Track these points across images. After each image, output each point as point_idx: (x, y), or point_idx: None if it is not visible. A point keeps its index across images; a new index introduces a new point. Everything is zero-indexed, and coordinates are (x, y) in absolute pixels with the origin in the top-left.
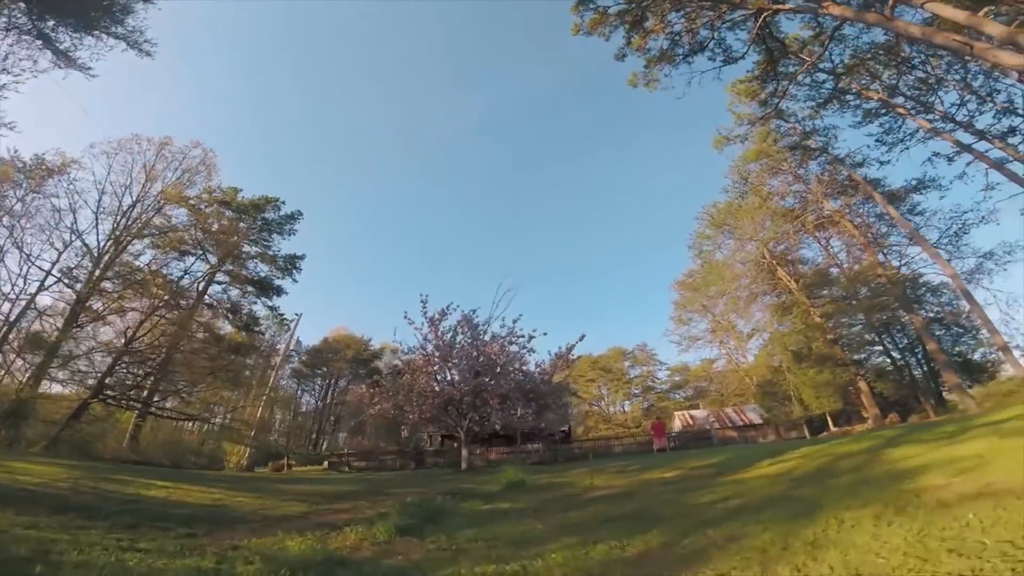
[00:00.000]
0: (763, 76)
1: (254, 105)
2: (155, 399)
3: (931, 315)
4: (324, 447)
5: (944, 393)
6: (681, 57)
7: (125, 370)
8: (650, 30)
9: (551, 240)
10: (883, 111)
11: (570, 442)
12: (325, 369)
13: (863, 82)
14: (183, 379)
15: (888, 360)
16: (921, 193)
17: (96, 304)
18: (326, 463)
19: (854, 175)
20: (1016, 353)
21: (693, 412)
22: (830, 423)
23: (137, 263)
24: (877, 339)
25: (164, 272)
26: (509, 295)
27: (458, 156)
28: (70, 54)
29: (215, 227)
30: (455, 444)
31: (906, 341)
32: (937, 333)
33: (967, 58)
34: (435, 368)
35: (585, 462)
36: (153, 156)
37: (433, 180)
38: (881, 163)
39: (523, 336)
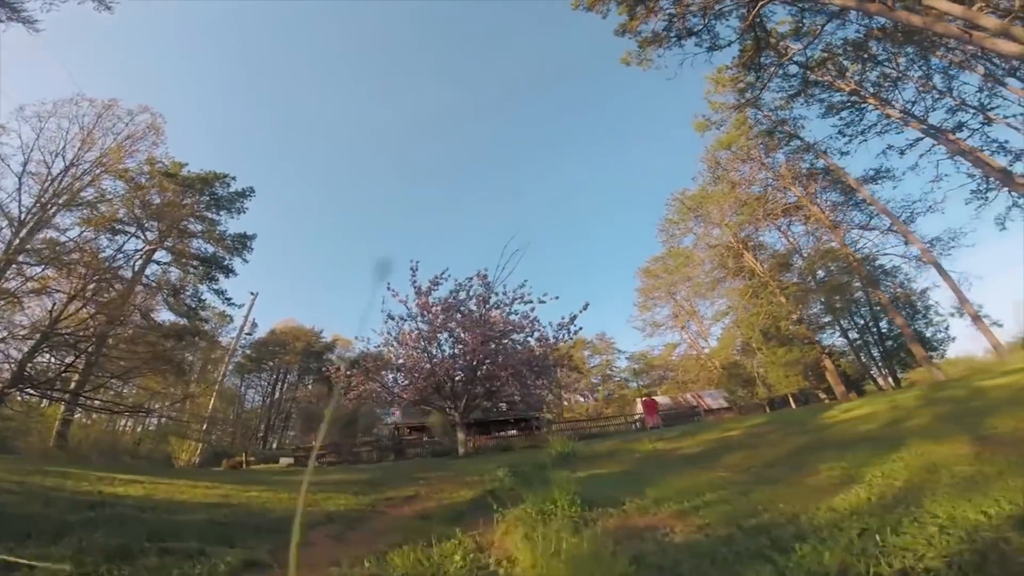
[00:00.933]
0: (747, 65)
1: (222, 83)
2: (85, 389)
3: (887, 295)
4: (274, 446)
5: (898, 372)
6: (673, 40)
7: (50, 357)
8: (648, 9)
9: (519, 226)
10: (848, 104)
11: (542, 428)
12: (272, 363)
13: (831, 76)
14: (117, 368)
15: (846, 340)
16: (877, 183)
17: (11, 282)
18: (292, 459)
19: (829, 162)
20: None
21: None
22: (792, 404)
23: (64, 238)
24: (836, 320)
25: (95, 248)
26: (516, 257)
27: (421, 144)
28: (14, 4)
29: (157, 201)
30: (429, 434)
31: (862, 322)
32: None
33: (968, 47)
34: (424, 344)
35: (587, 442)
36: (94, 119)
37: (406, 172)
38: (842, 153)
39: (531, 300)
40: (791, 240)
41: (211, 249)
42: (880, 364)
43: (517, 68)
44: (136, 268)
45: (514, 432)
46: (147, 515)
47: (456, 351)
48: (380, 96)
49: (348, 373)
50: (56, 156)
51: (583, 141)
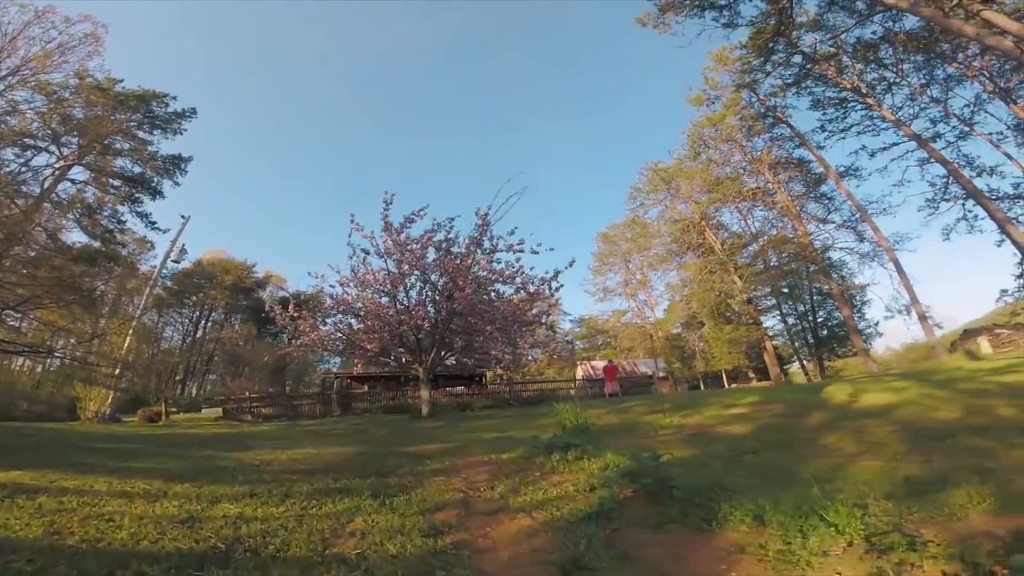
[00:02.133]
0: (761, 47)
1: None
2: None
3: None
4: (194, 392)
5: (825, 360)
6: (694, 9)
7: None
8: None
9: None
10: (836, 101)
11: (485, 386)
12: (196, 298)
13: (832, 71)
14: (12, 297)
15: (784, 325)
16: (844, 179)
17: None
18: (220, 410)
19: (816, 154)
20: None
21: (594, 363)
22: (725, 380)
23: None
24: (779, 305)
25: None
26: (513, 200)
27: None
28: None
29: (80, 116)
30: (379, 387)
31: (802, 309)
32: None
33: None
34: (390, 287)
35: (548, 406)
36: (20, 26)
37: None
38: (819, 147)
39: (522, 249)
40: (748, 223)
41: (138, 169)
42: (812, 351)
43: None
44: (46, 185)
45: (462, 388)
46: None
47: (428, 297)
48: (358, 27)
49: (295, 315)
50: None
51: (567, 98)
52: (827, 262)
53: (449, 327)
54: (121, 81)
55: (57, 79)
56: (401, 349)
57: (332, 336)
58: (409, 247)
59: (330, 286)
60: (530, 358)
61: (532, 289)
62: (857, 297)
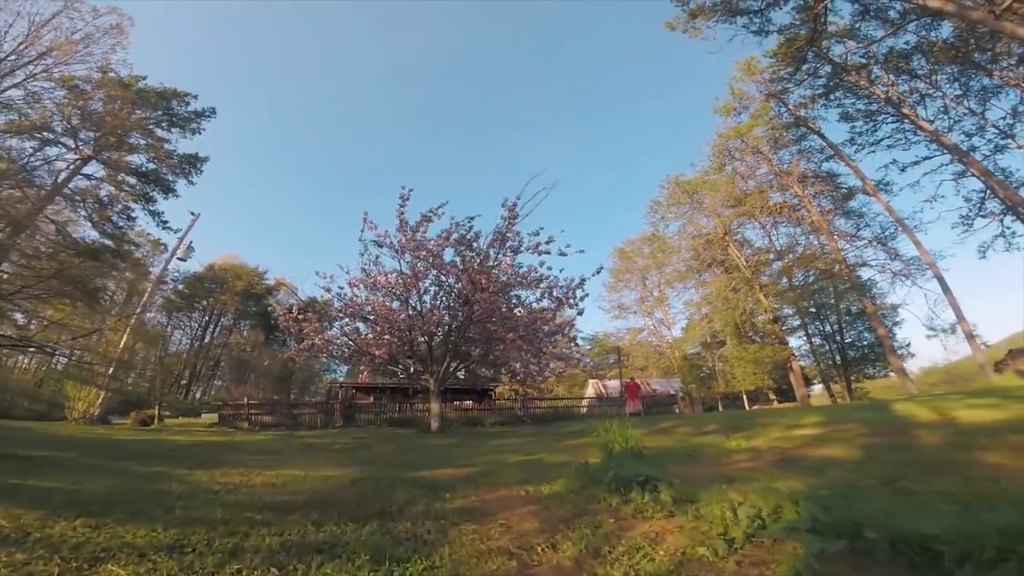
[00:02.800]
0: (793, 56)
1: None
2: None
3: (855, 307)
4: (199, 396)
5: (853, 381)
6: (723, 15)
7: None
8: None
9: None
10: (866, 113)
11: (494, 401)
12: (206, 303)
13: (865, 82)
14: (16, 288)
15: (809, 344)
16: (871, 195)
17: None
18: (216, 416)
19: (850, 163)
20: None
21: (606, 382)
22: (746, 402)
23: None
24: (804, 324)
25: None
26: (541, 196)
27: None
28: None
29: (100, 108)
30: (383, 398)
31: (828, 329)
32: (861, 325)
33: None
34: (402, 290)
35: (565, 423)
36: (50, 14)
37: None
38: (848, 163)
39: (547, 251)
40: (772, 239)
41: (153, 167)
42: (840, 372)
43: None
44: (60, 179)
45: (470, 403)
46: None
47: (443, 303)
48: (378, 35)
49: (300, 317)
50: None
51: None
52: (859, 280)
53: (465, 334)
54: (144, 78)
55: (79, 72)
56: (411, 359)
57: (337, 340)
58: (426, 246)
59: (339, 288)
60: (549, 372)
61: (557, 295)
62: (887, 316)
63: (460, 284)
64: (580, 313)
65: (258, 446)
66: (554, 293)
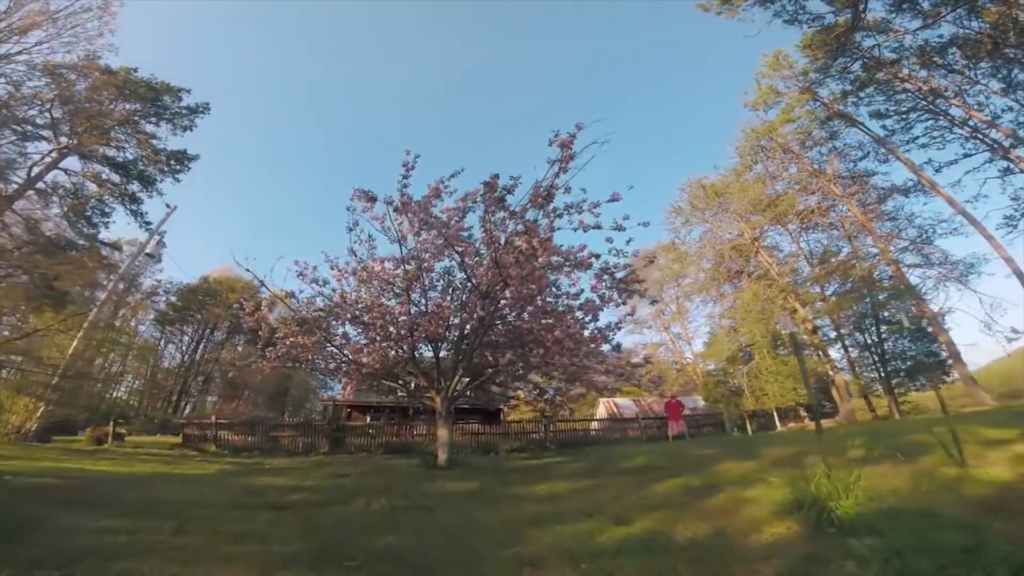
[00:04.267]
0: (831, 46)
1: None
2: None
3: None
4: (187, 411)
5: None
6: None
7: None
8: None
9: None
10: (903, 112)
11: (503, 423)
12: (200, 316)
13: (903, 76)
14: None
15: (846, 356)
16: (908, 196)
17: None
18: (180, 436)
19: (901, 157)
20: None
21: (617, 400)
22: (777, 420)
23: None
24: (840, 335)
25: None
26: (594, 148)
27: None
28: None
29: (82, 97)
30: (384, 418)
31: (866, 339)
32: (901, 335)
33: None
34: (401, 284)
35: (596, 449)
36: None
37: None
38: (881, 161)
39: (596, 224)
40: (800, 245)
41: (132, 158)
42: (887, 384)
43: None
44: (33, 173)
45: (475, 423)
46: None
47: (456, 297)
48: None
49: (267, 316)
50: None
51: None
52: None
53: (484, 338)
54: (135, 70)
55: (62, 57)
56: (412, 374)
57: (317, 346)
58: (447, 213)
59: (320, 283)
60: (602, 386)
61: (609, 286)
62: (931, 324)
63: (484, 266)
64: (650, 299)
65: (167, 491)
66: (613, 279)
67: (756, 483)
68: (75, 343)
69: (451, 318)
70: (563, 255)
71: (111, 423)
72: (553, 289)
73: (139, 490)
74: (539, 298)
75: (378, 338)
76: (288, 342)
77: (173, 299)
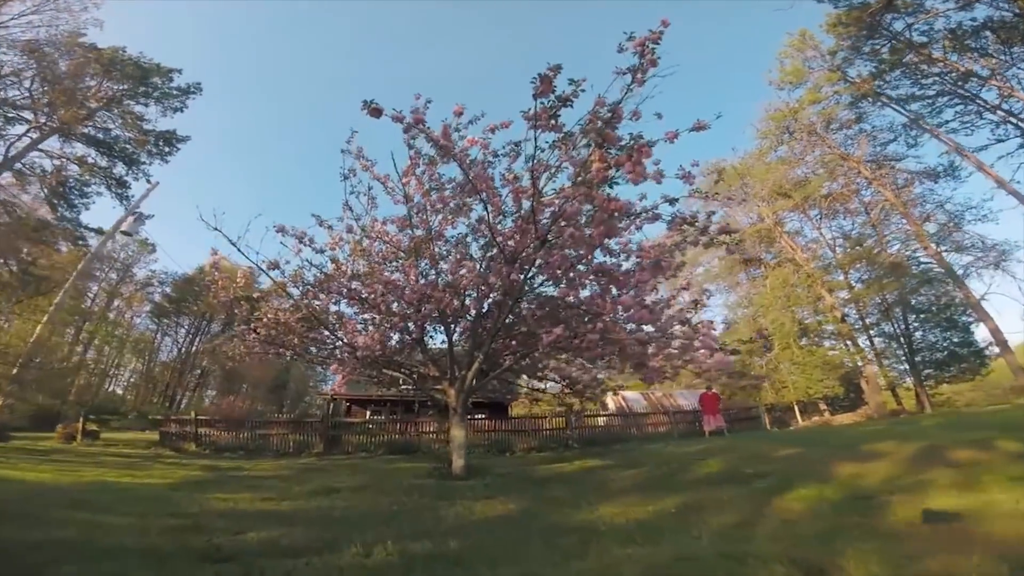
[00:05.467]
0: (866, 24)
1: None
2: None
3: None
4: (183, 406)
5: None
6: None
7: None
8: None
9: None
10: (931, 96)
11: (510, 418)
12: (196, 307)
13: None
14: None
15: (871, 347)
16: (937, 181)
17: None
18: (158, 434)
19: (943, 136)
20: None
21: (626, 394)
22: (798, 414)
23: None
24: (866, 325)
25: None
26: (651, 83)
27: None
28: None
29: (65, 74)
30: (385, 412)
31: (892, 328)
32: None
33: None
34: (408, 249)
35: (627, 447)
36: None
37: None
38: (909, 146)
39: (660, 173)
40: (822, 232)
41: (121, 139)
42: (918, 376)
43: None
44: (10, 153)
45: (483, 417)
46: None
47: (481, 263)
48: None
49: (250, 295)
50: None
51: None
52: (929, 271)
53: (514, 310)
54: (123, 48)
55: (45, 33)
56: (420, 362)
57: (302, 326)
58: (466, 155)
59: (306, 241)
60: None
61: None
62: (964, 312)
63: (519, 219)
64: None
65: (77, 523)
66: (703, 230)
67: (928, 490)
68: (38, 329)
69: (467, 292)
70: (621, 208)
71: (81, 420)
72: (608, 243)
73: (36, 517)
74: (594, 252)
75: (378, 317)
76: (266, 320)
77: (168, 291)
